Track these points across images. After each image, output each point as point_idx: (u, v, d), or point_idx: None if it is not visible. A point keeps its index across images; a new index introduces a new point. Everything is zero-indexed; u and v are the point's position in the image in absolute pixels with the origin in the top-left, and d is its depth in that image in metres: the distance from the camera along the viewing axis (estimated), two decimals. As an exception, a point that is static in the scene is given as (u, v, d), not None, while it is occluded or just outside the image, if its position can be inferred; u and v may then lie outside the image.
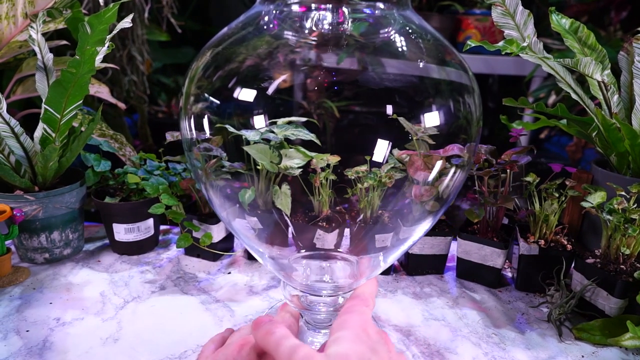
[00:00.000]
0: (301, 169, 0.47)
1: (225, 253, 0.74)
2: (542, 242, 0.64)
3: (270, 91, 0.42)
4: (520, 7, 0.63)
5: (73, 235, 0.72)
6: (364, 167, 0.47)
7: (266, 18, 0.44)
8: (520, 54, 0.56)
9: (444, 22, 1.55)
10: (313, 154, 0.46)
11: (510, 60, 1.50)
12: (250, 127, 0.43)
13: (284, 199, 0.49)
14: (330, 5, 0.43)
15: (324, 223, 0.56)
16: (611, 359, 0.53)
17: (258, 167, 0.47)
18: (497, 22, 0.64)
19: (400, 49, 0.43)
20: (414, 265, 0.70)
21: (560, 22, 0.70)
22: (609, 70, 0.65)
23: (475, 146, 0.46)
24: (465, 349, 0.54)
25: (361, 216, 0.54)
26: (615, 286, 0.55)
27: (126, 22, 0.62)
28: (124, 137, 0.84)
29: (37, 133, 0.66)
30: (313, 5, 0.43)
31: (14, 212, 0.64)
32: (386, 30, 0.44)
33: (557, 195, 0.64)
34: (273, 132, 0.44)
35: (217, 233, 0.70)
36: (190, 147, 0.46)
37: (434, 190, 0.45)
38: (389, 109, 0.40)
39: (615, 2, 1.49)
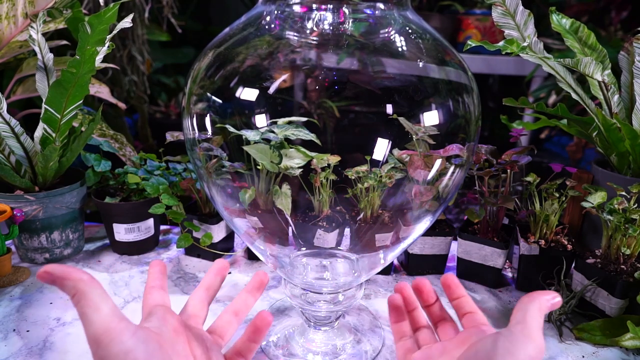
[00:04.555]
0: (301, 169, 0.47)
1: (225, 253, 0.74)
2: (542, 242, 0.64)
3: (271, 91, 0.42)
4: (521, 7, 0.63)
5: (73, 235, 0.72)
6: (364, 167, 0.47)
7: (268, 18, 0.44)
8: (520, 54, 0.56)
9: (444, 22, 1.55)
10: (313, 153, 0.46)
11: (510, 60, 1.50)
12: (252, 126, 0.43)
13: (284, 199, 0.49)
14: (331, 6, 0.43)
15: (324, 223, 0.56)
16: (611, 359, 0.53)
17: (258, 167, 0.47)
18: (497, 22, 0.64)
19: (400, 49, 0.43)
20: (414, 265, 0.70)
21: (560, 22, 0.70)
22: (610, 70, 0.65)
23: (474, 145, 0.46)
24: (465, 349, 0.54)
25: (361, 215, 0.54)
26: (616, 286, 0.55)
27: (126, 22, 0.63)
28: (124, 137, 0.85)
29: (38, 133, 0.66)
30: (314, 6, 0.43)
31: (14, 212, 0.64)
32: (386, 30, 0.44)
33: (557, 195, 0.64)
34: (273, 132, 0.44)
35: (217, 233, 0.70)
36: (193, 146, 0.46)
37: (434, 190, 0.45)
38: (389, 109, 0.41)
39: (616, 2, 1.49)
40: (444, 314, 0.45)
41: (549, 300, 0.35)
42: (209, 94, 0.44)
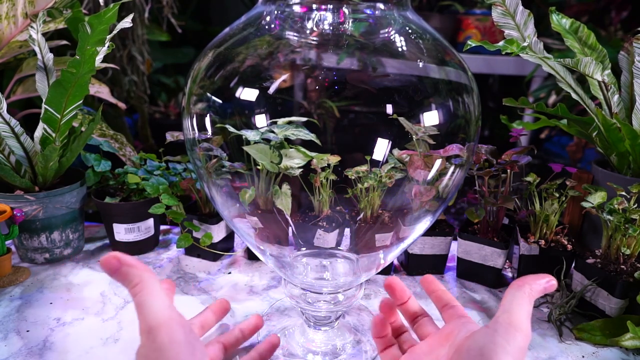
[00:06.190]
0: (301, 169, 0.47)
1: (225, 253, 0.74)
2: (542, 242, 0.64)
3: (271, 91, 0.42)
4: (521, 7, 0.63)
5: (73, 235, 0.72)
6: (364, 167, 0.47)
7: (268, 18, 0.44)
8: (520, 54, 0.56)
9: (445, 22, 1.55)
10: (313, 154, 0.46)
11: (510, 60, 1.50)
12: (251, 126, 0.43)
13: (284, 199, 0.49)
14: (331, 6, 0.43)
15: (324, 223, 0.56)
16: (611, 359, 0.53)
17: (258, 167, 0.47)
18: (497, 22, 0.64)
19: (400, 49, 0.43)
20: (414, 265, 0.70)
21: (560, 22, 0.70)
22: (609, 70, 0.65)
23: (474, 145, 0.46)
24: (465, 349, 0.54)
25: (361, 215, 0.54)
26: (616, 286, 0.55)
27: (126, 22, 0.63)
28: (124, 137, 0.85)
29: (38, 133, 0.66)
30: (314, 6, 0.43)
31: (14, 212, 0.64)
32: (386, 30, 0.44)
33: (557, 195, 0.64)
34: (273, 132, 0.44)
35: (217, 233, 0.70)
36: (192, 146, 0.46)
37: (434, 190, 0.45)
38: (389, 109, 0.41)
39: (616, 2, 1.49)
40: (418, 309, 0.45)
41: (541, 284, 0.35)
42: (209, 94, 0.44)
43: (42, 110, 0.62)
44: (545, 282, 0.35)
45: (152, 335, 0.31)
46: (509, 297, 0.35)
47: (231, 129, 0.43)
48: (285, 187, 0.49)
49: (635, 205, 0.57)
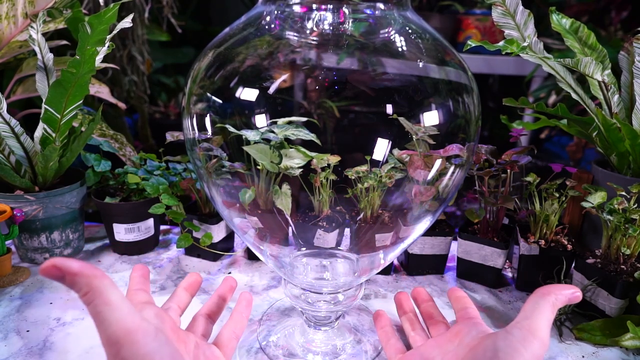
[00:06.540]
0: (301, 169, 0.47)
1: (225, 253, 0.74)
2: (542, 242, 0.64)
3: (271, 91, 0.42)
4: (521, 7, 0.63)
5: (73, 236, 0.72)
6: (364, 167, 0.47)
7: (268, 18, 0.44)
8: (520, 54, 0.56)
9: (445, 22, 1.55)
10: (313, 154, 0.46)
11: (510, 60, 1.50)
12: (251, 126, 0.43)
13: (284, 199, 0.49)
14: (331, 6, 0.43)
15: (324, 223, 0.56)
16: (611, 359, 0.53)
17: (258, 167, 0.47)
18: (497, 22, 0.64)
19: (400, 49, 0.43)
20: (414, 266, 0.70)
21: (560, 22, 0.70)
22: (609, 70, 0.65)
23: (474, 145, 0.46)
24: (465, 349, 0.54)
25: (361, 215, 0.54)
26: (616, 286, 0.55)
27: (126, 22, 0.62)
28: (124, 137, 0.85)
29: (38, 133, 0.66)
30: (314, 6, 0.43)
31: (14, 212, 0.64)
32: (386, 30, 0.44)
33: (557, 195, 0.64)
34: (273, 132, 0.44)
35: (217, 233, 0.70)
36: (193, 146, 0.46)
37: (434, 190, 0.45)
38: (389, 109, 0.41)
39: (616, 2, 1.49)
40: (436, 312, 0.45)
41: (567, 295, 0.35)
42: (209, 94, 0.44)
43: (42, 110, 0.62)
44: (570, 293, 0.35)
45: (114, 349, 0.29)
46: (532, 303, 0.34)
47: (231, 129, 0.43)
48: (285, 187, 0.49)
49: (635, 205, 0.57)
